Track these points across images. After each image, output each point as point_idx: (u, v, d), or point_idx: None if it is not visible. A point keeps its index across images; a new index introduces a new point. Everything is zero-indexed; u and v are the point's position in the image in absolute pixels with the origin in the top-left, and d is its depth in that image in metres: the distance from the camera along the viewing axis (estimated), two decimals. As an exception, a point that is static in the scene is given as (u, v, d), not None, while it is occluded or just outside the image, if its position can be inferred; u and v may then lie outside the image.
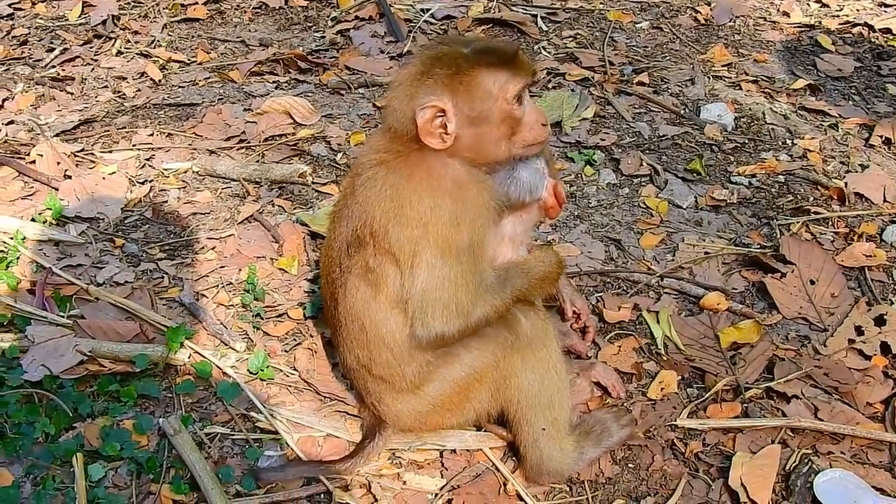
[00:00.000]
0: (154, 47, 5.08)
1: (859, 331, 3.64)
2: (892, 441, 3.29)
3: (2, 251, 3.73)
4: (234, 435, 3.28)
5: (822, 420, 3.34)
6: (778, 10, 5.31)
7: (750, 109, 4.63)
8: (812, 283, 3.83)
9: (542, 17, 5.10)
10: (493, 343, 3.05)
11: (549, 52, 4.91)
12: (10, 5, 5.16)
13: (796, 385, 3.46)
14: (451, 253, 2.84)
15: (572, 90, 4.63)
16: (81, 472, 3.06)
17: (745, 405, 3.42)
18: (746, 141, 4.47)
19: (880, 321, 3.66)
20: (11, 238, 3.76)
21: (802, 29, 5.19)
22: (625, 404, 3.41)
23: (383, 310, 2.96)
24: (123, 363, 3.40)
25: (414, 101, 2.82)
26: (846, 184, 4.23)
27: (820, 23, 5.24)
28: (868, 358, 3.57)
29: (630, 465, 3.26)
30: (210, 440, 3.24)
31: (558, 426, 3.18)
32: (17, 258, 3.72)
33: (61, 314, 3.53)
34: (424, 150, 2.86)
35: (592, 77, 4.75)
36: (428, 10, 5.10)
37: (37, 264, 3.70)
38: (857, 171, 4.33)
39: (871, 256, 3.95)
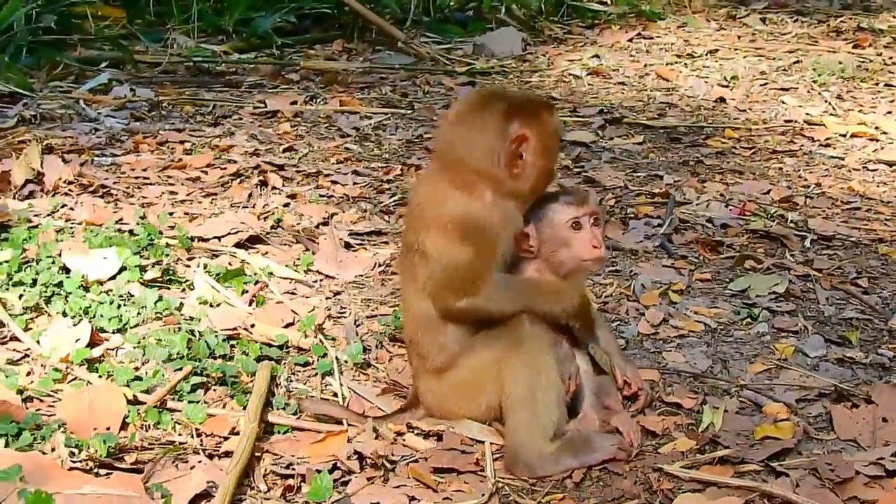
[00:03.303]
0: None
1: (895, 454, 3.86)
2: (857, 527, 3.52)
3: (249, 276, 5.19)
4: (309, 391, 4.35)
5: (797, 495, 3.66)
6: None
7: (951, 317, 4.91)
8: (884, 420, 4.08)
9: (812, 240, 5.76)
10: (502, 340, 3.86)
11: (795, 259, 5.56)
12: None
13: (796, 471, 3.79)
14: (466, 246, 3.79)
15: (779, 275, 5.27)
16: (180, 377, 4.29)
17: (740, 475, 3.82)
18: (924, 336, 4.77)
19: (930, 457, 3.84)
20: (262, 270, 5.23)
21: None
22: (630, 448, 3.96)
23: (420, 295, 3.93)
24: (268, 338, 4.64)
25: (502, 133, 3.83)
26: None
27: None
28: (890, 475, 3.78)
29: (600, 483, 3.81)
30: (288, 394, 4.30)
31: (539, 425, 3.84)
32: (255, 282, 5.16)
33: (252, 306, 4.90)
34: (473, 182, 3.85)
35: (815, 276, 5.33)
36: (710, 217, 6.00)
37: (265, 286, 5.12)
38: None
39: (975, 420, 4.09)
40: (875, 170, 7.01)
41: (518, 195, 3.84)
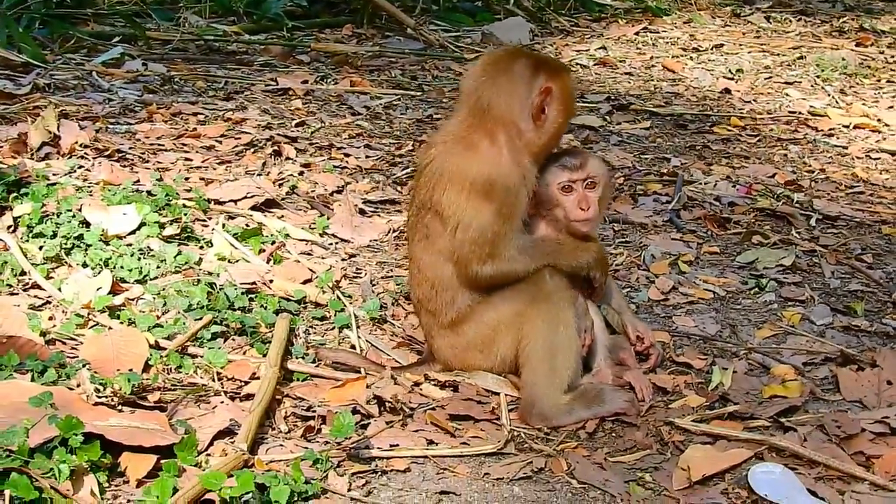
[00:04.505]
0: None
1: (901, 414, 3.95)
2: (864, 478, 3.61)
3: (266, 236, 5.27)
4: (327, 343, 4.43)
5: (805, 448, 3.76)
6: None
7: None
8: (889, 383, 4.17)
9: (817, 219, 5.87)
10: (523, 294, 3.94)
11: (801, 236, 5.66)
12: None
13: (804, 427, 3.89)
14: (486, 207, 3.86)
15: (785, 249, 5.38)
16: (201, 325, 4.36)
17: (749, 430, 3.91)
18: (930, 309, 4.87)
19: (933, 416, 3.93)
20: (279, 232, 5.32)
21: None
22: (642, 403, 4.05)
23: (435, 256, 4.01)
24: (286, 293, 4.72)
25: (530, 83, 3.92)
26: None
27: None
28: (895, 432, 3.88)
29: (612, 434, 3.90)
30: (307, 344, 4.38)
31: (556, 378, 3.93)
32: (273, 242, 5.24)
33: (270, 264, 4.99)
34: (493, 133, 3.95)
35: (821, 251, 5.43)
36: (718, 196, 6.12)
37: (282, 245, 5.20)
38: None
39: (978, 383, 4.18)
40: (878, 158, 7.12)
41: (533, 148, 3.92)
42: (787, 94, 8.60)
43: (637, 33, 10.70)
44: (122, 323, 4.32)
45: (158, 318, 4.40)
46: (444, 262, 3.99)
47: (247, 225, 5.30)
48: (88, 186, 5.49)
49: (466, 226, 3.88)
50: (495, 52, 4.21)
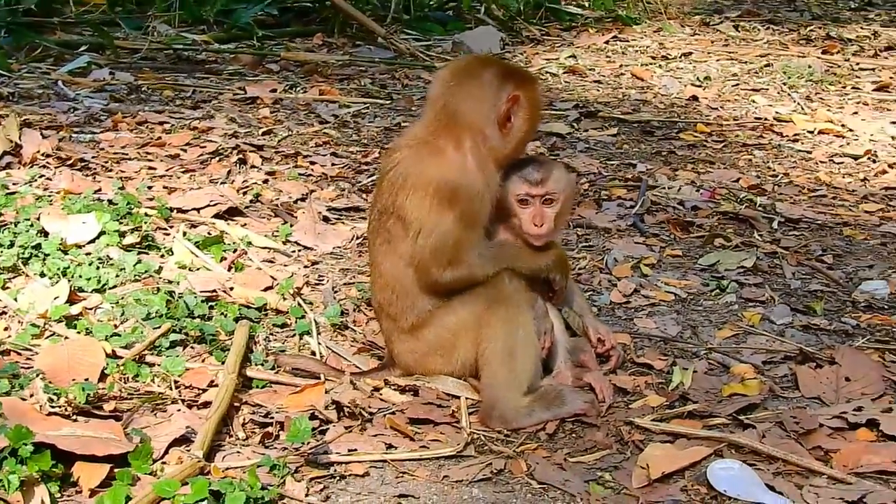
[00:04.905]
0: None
1: (858, 408, 3.94)
2: (822, 472, 3.59)
3: (228, 244, 5.23)
4: (286, 350, 4.39)
5: (764, 444, 3.74)
6: None
7: (912, 291, 5.01)
8: (847, 379, 4.16)
9: (779, 222, 5.88)
10: (482, 297, 3.90)
11: (763, 239, 5.67)
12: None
13: (763, 424, 3.88)
14: (450, 215, 3.82)
15: (747, 251, 5.38)
16: (159, 333, 4.32)
17: (709, 428, 3.90)
18: (885, 307, 4.85)
19: (889, 410, 3.93)
20: (241, 240, 5.27)
21: None
22: (602, 403, 4.03)
23: (396, 261, 3.96)
24: (247, 300, 4.68)
25: (498, 91, 3.89)
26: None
27: None
28: (853, 427, 3.86)
29: (573, 435, 3.87)
30: (267, 352, 4.34)
31: (515, 380, 3.89)
32: (234, 250, 5.19)
33: (231, 272, 4.94)
34: (459, 138, 3.90)
35: (782, 253, 5.44)
36: (681, 200, 6.12)
37: (244, 253, 5.16)
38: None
39: (934, 377, 4.18)
40: (841, 163, 7.13)
41: (498, 155, 3.89)
42: (753, 101, 8.61)
43: (607, 42, 10.69)
44: (79, 332, 4.28)
45: (116, 327, 4.35)
46: (404, 266, 3.95)
47: (209, 233, 5.24)
48: (49, 196, 5.44)
49: (429, 231, 3.84)
50: (464, 58, 4.22)
